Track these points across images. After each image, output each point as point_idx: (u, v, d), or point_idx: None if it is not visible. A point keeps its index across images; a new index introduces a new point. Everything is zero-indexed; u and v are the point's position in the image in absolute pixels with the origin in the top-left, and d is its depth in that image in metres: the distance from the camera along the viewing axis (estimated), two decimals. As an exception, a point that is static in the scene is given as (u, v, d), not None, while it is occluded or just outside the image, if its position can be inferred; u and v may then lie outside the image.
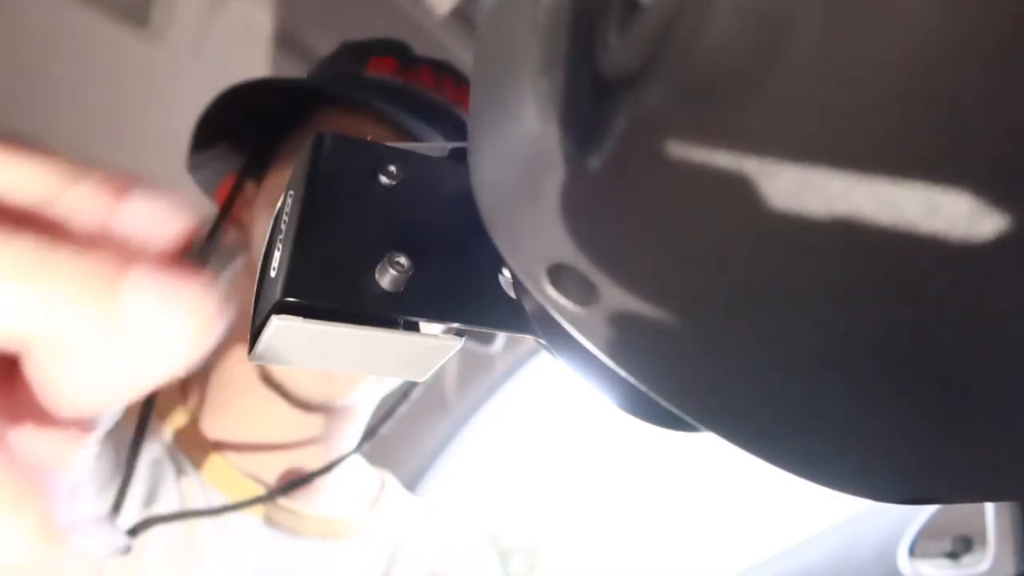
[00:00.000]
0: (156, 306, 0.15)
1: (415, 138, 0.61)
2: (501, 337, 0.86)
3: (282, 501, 0.66)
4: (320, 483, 0.69)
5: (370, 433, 0.71)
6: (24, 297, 0.15)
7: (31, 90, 0.85)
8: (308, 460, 0.68)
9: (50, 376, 0.16)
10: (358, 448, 0.70)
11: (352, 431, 0.71)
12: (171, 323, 0.16)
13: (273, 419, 0.67)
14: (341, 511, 0.71)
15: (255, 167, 0.71)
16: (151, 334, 0.15)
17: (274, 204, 0.28)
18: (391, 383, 0.70)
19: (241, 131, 0.70)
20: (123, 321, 0.15)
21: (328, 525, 0.68)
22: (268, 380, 0.66)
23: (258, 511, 0.65)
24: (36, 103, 0.86)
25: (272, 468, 0.67)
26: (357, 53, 0.70)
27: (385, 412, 0.73)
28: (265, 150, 0.71)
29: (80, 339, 0.15)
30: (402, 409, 0.73)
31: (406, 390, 0.74)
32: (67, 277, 0.15)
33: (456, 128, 0.65)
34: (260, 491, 0.65)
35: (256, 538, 0.63)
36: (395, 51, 0.69)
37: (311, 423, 0.67)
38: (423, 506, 0.80)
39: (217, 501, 0.63)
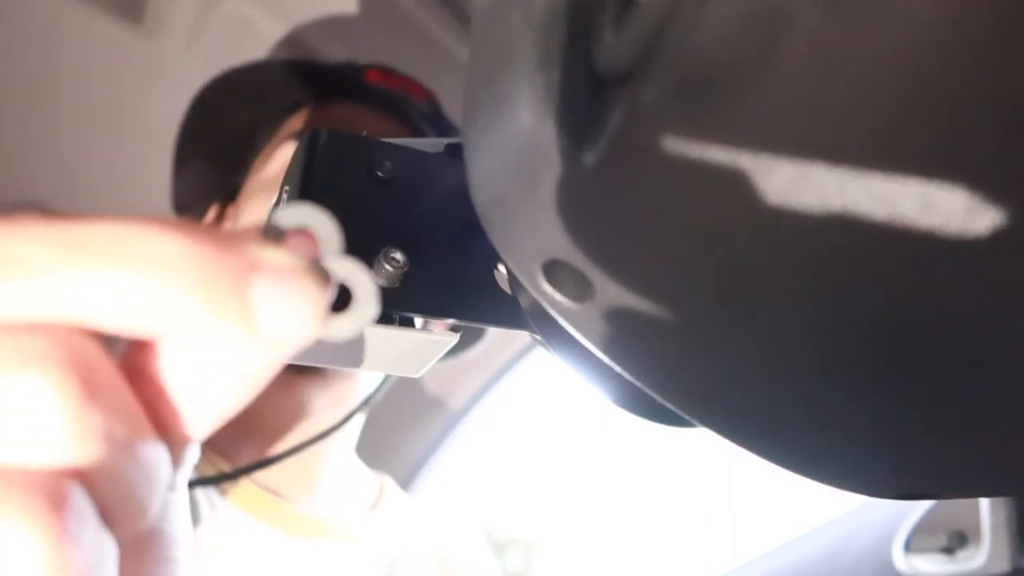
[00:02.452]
0: (281, 303, 0.16)
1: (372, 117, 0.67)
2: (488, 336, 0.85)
3: (280, 502, 0.65)
4: (319, 484, 0.69)
5: (358, 408, 0.69)
6: (159, 288, 0.15)
7: (25, 85, 0.85)
8: (297, 439, 0.66)
9: (179, 372, 0.16)
10: (347, 419, 0.67)
11: (342, 408, 0.69)
12: (292, 321, 0.16)
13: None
14: (341, 513, 0.70)
15: (230, 198, 0.74)
16: (273, 329, 0.16)
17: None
18: None
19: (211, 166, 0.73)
20: (248, 315, 0.16)
21: (328, 527, 0.68)
22: None
23: (257, 511, 0.64)
24: (30, 98, 0.86)
25: (259, 457, 0.66)
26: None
27: (370, 392, 0.71)
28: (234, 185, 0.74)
29: (209, 333, 0.16)
30: (385, 388, 0.71)
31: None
32: (201, 271, 0.15)
33: (406, 110, 0.70)
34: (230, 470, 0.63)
35: (254, 538, 0.63)
36: (346, 66, 0.76)
37: (300, 403, 0.65)
38: (422, 509, 0.80)
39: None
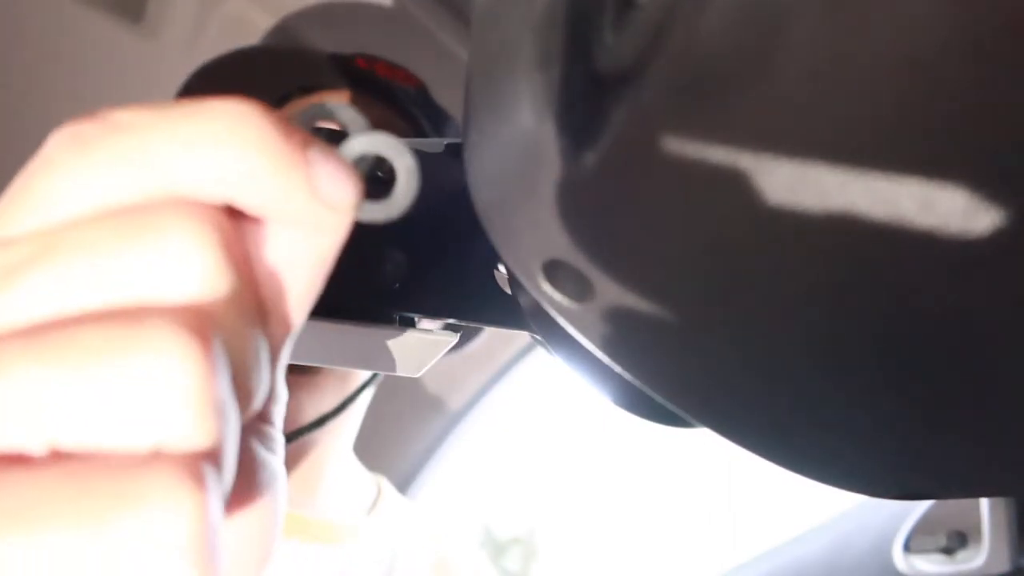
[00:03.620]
0: (331, 175, 0.17)
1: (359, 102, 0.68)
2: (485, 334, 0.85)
3: None
4: (316, 486, 0.68)
5: (349, 399, 0.68)
6: (246, 152, 0.16)
7: (25, 85, 0.85)
8: (295, 447, 0.66)
9: (261, 253, 0.18)
10: (337, 412, 0.66)
11: (336, 397, 0.67)
12: (342, 192, 0.17)
13: None
14: (339, 515, 0.70)
15: None
16: (328, 197, 0.17)
17: None
18: None
19: None
20: (312, 182, 0.17)
21: (327, 529, 0.68)
22: None
23: None
24: (30, 98, 0.86)
25: None
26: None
27: (364, 382, 0.70)
28: None
29: (277, 195, 0.17)
30: (380, 377, 0.70)
31: None
32: (275, 141, 0.16)
33: (392, 94, 0.70)
34: None
35: None
36: (334, 56, 0.76)
37: (297, 397, 0.65)
38: (419, 511, 0.80)
39: None
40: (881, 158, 0.14)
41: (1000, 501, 0.49)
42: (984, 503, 0.50)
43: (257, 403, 0.17)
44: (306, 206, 0.17)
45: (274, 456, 0.21)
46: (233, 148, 0.16)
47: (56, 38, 0.82)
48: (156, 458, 0.14)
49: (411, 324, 0.26)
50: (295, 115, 0.18)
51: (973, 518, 0.50)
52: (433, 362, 0.28)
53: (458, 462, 1.09)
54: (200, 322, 0.15)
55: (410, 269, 0.25)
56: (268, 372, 0.18)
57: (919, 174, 0.14)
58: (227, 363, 0.15)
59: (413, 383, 0.99)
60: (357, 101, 0.69)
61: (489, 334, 0.89)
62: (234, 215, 0.17)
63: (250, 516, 0.19)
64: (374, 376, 0.70)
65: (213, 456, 0.15)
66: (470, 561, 0.79)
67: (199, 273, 0.15)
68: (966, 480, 0.21)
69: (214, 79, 0.74)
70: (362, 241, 0.25)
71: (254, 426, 0.20)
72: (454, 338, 0.27)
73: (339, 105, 0.18)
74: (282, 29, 0.81)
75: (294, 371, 0.65)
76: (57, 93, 0.86)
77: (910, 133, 0.13)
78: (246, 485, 0.19)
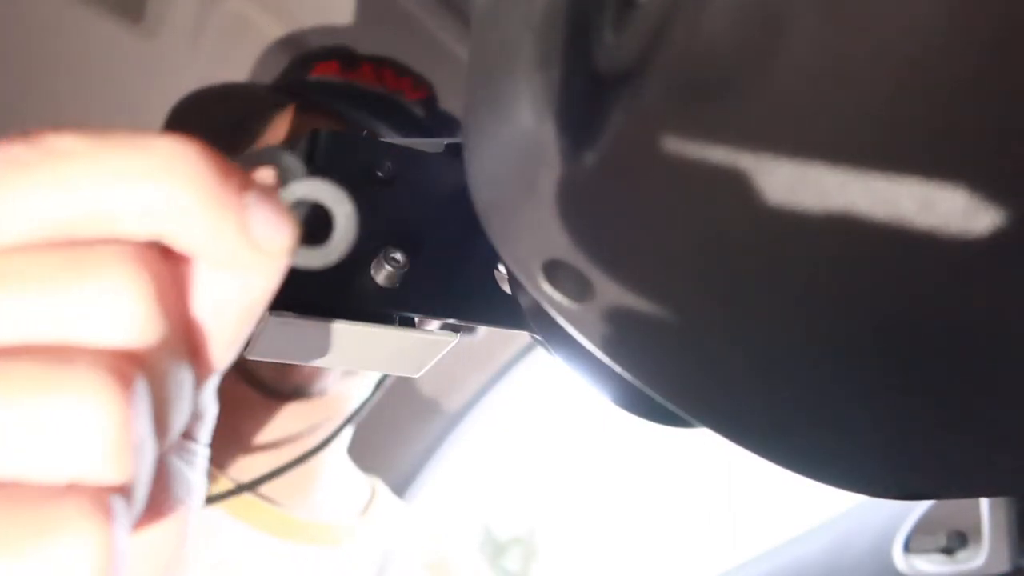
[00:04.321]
0: (267, 219, 0.17)
1: (360, 128, 0.66)
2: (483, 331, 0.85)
3: (271, 508, 0.65)
4: (310, 488, 0.68)
5: (346, 422, 0.69)
6: (183, 187, 0.16)
7: (24, 85, 0.85)
8: (289, 456, 0.67)
9: (193, 293, 0.18)
10: (334, 436, 0.67)
11: (334, 424, 0.69)
12: (277, 236, 0.17)
13: (245, 409, 0.65)
14: (332, 517, 0.70)
15: None
16: (263, 241, 0.17)
17: None
18: (368, 374, 0.67)
19: None
20: (246, 225, 0.17)
21: (319, 531, 0.68)
22: (236, 365, 0.63)
23: (248, 516, 0.64)
24: (29, 98, 0.86)
25: (249, 466, 0.66)
26: (302, 63, 0.76)
27: (361, 403, 0.71)
28: None
29: (212, 237, 0.17)
30: (376, 396, 0.71)
31: (380, 379, 0.72)
32: (213, 181, 0.16)
33: (398, 115, 0.69)
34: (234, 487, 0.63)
35: (246, 543, 0.63)
36: (337, 55, 0.75)
37: (289, 415, 0.66)
38: (413, 513, 0.79)
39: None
40: (881, 158, 0.14)
41: (1000, 501, 0.49)
42: (984, 503, 0.50)
43: (175, 434, 0.18)
44: (237, 248, 0.17)
45: (191, 468, 0.21)
46: (164, 184, 0.16)
47: (56, 38, 0.82)
48: (70, 491, 0.15)
49: (411, 324, 0.26)
50: (238, 158, 0.18)
51: (973, 518, 0.50)
52: (433, 362, 0.28)
53: (457, 462, 1.09)
54: (125, 365, 0.15)
55: (410, 269, 0.25)
56: (190, 405, 0.18)
57: (919, 174, 0.14)
58: (148, 404, 0.16)
59: (412, 383, 0.99)
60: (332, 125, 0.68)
61: (489, 334, 0.89)
62: (170, 252, 0.17)
63: (163, 524, 0.20)
64: (375, 390, 0.70)
65: (125, 489, 0.15)
66: (468, 562, 0.79)
67: (130, 320, 0.15)
68: (966, 480, 0.21)
69: (198, 106, 0.75)
70: (362, 241, 0.25)
71: (177, 443, 0.21)
72: (454, 338, 0.27)
73: (278, 150, 0.18)
74: (281, 29, 0.81)
75: (295, 397, 0.65)
76: (57, 93, 0.86)
77: (910, 133, 0.13)
78: (161, 496, 0.20)
